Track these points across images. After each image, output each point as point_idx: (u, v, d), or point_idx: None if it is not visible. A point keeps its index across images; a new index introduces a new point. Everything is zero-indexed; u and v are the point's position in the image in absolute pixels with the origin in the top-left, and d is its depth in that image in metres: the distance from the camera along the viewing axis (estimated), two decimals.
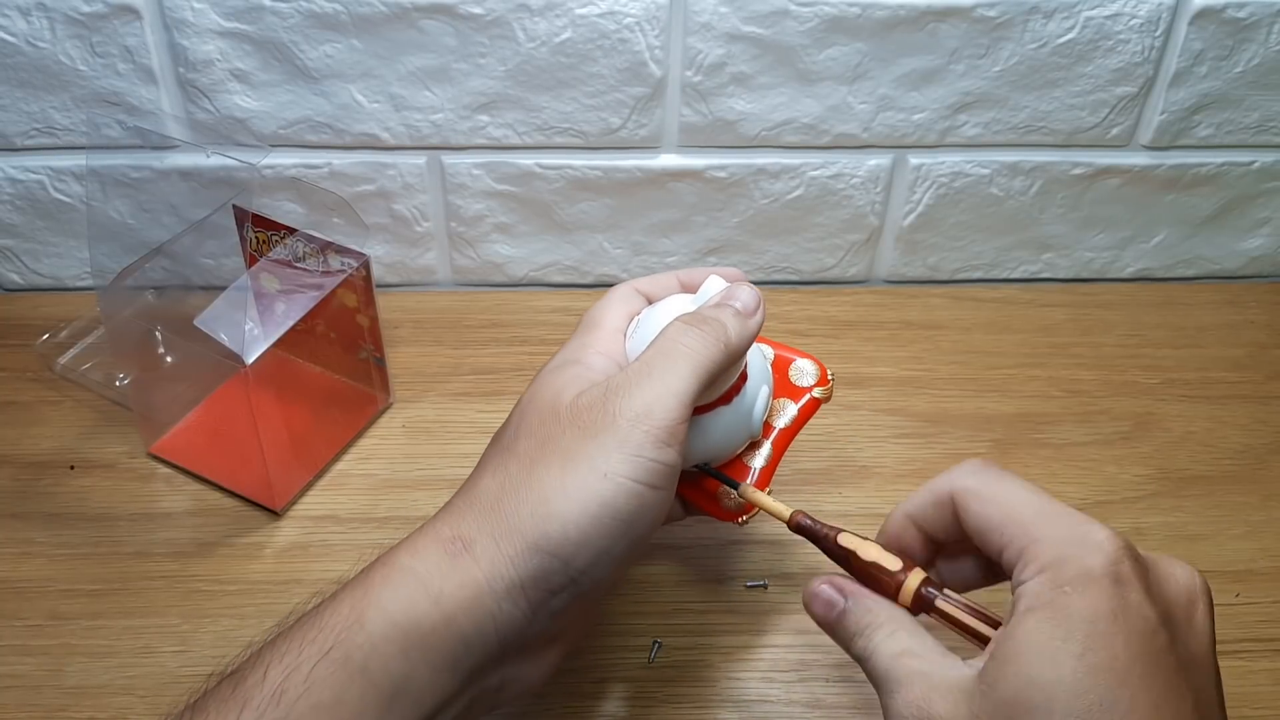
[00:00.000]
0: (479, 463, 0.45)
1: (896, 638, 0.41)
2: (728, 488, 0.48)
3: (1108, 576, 0.37)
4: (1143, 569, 0.38)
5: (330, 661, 0.38)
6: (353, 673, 0.38)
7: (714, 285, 0.47)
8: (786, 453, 0.50)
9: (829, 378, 0.51)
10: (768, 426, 0.50)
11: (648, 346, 0.44)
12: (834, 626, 0.43)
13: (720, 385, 0.46)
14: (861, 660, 0.42)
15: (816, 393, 0.51)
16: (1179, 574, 0.40)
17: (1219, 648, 0.53)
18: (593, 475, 0.40)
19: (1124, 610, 0.37)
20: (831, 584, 0.43)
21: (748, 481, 0.49)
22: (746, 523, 0.49)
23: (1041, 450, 0.63)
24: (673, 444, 0.42)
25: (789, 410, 0.51)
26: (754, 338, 0.46)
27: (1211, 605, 0.40)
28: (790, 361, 0.52)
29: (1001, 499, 0.41)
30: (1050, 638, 0.36)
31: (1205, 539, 0.59)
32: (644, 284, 0.50)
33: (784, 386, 0.51)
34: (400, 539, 0.42)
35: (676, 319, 0.45)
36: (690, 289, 0.49)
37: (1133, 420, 0.66)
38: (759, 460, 0.50)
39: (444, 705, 0.40)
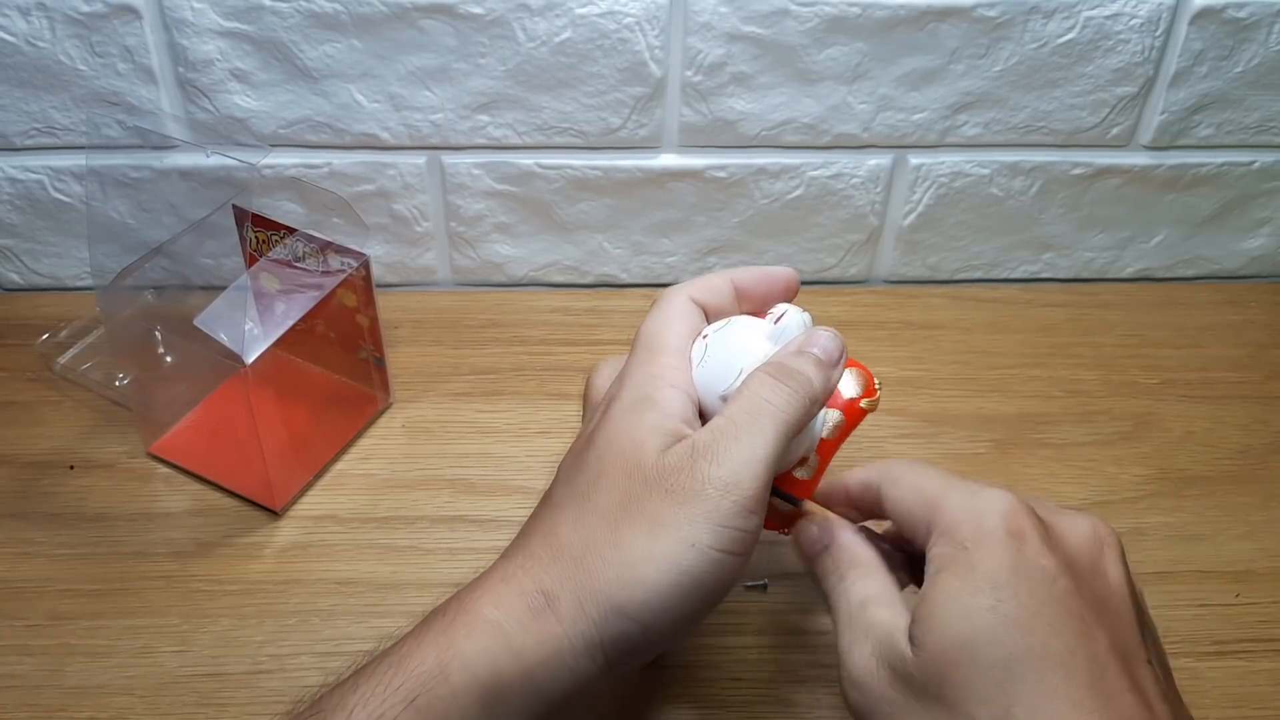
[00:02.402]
0: (554, 503, 0.43)
1: (864, 583, 0.43)
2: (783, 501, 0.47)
3: (1003, 530, 0.39)
4: (1040, 524, 0.40)
5: (415, 710, 0.38)
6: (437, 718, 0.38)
7: (793, 320, 0.46)
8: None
9: (876, 387, 0.49)
10: (814, 436, 0.48)
11: (732, 401, 0.43)
12: (814, 562, 0.45)
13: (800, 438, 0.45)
14: (829, 597, 0.44)
15: (864, 403, 0.49)
16: (1080, 525, 0.41)
17: (1219, 648, 0.54)
18: (680, 545, 0.40)
19: (1023, 562, 0.39)
20: (823, 527, 0.45)
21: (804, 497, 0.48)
22: (791, 534, 0.48)
23: (1041, 450, 0.63)
24: (758, 511, 0.41)
25: (833, 418, 0.48)
26: (835, 386, 0.45)
27: (1120, 551, 0.41)
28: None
29: (911, 482, 0.43)
30: (959, 594, 0.39)
31: (1205, 539, 0.59)
32: (699, 291, 0.47)
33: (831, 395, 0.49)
34: (469, 579, 0.42)
35: (761, 370, 0.43)
36: (748, 298, 0.48)
37: (1133, 420, 0.66)
38: (804, 471, 0.48)
39: None
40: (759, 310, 0.48)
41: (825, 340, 0.45)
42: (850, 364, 0.49)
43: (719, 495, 0.40)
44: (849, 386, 0.48)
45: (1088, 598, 0.39)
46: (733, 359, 0.44)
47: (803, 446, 0.46)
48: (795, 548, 0.45)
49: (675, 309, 0.47)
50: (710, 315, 0.48)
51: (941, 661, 0.38)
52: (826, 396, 0.44)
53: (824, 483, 0.47)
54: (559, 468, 0.45)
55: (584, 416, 0.49)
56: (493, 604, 0.40)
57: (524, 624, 0.40)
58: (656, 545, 0.40)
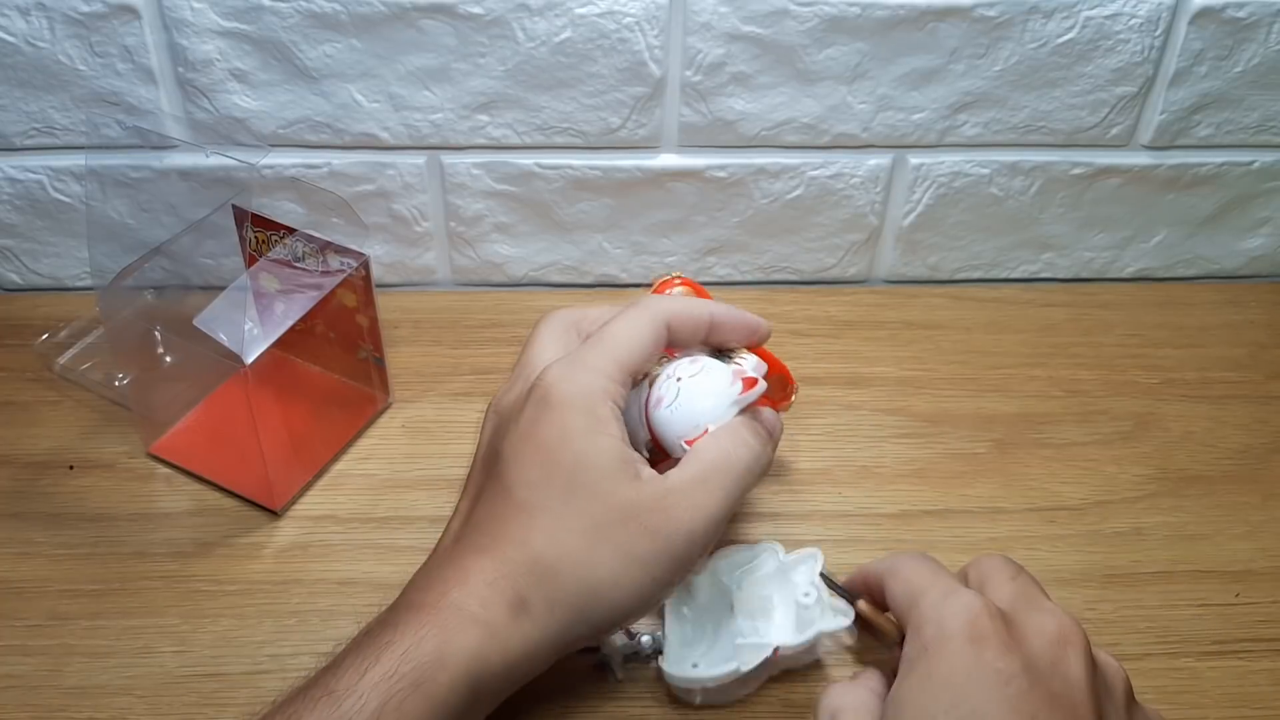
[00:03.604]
0: (519, 504, 0.46)
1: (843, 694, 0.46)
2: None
3: (962, 635, 0.42)
4: (1003, 627, 0.42)
5: (422, 695, 0.41)
6: (436, 705, 0.41)
7: (756, 370, 0.50)
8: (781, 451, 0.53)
9: (790, 393, 0.57)
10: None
11: (704, 451, 0.47)
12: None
13: None
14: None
15: (784, 406, 0.56)
16: (1047, 623, 0.43)
17: (1219, 647, 0.54)
18: (646, 579, 0.45)
19: (978, 665, 0.41)
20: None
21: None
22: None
23: (1041, 450, 0.63)
24: (708, 553, 0.48)
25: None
26: (771, 458, 0.50)
27: (1085, 648, 0.43)
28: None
29: (905, 574, 0.47)
30: (920, 699, 0.42)
31: (1205, 539, 0.59)
32: (679, 319, 0.49)
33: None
34: (450, 577, 0.45)
35: (730, 430, 0.48)
36: (719, 334, 0.51)
37: (1133, 420, 0.66)
38: None
39: None
40: (724, 343, 0.51)
41: (773, 420, 0.51)
42: (764, 357, 0.53)
43: (685, 544, 0.45)
44: (772, 392, 0.53)
45: (1043, 695, 0.41)
46: (702, 412, 0.48)
47: None
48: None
49: (649, 333, 0.49)
50: (676, 341, 0.50)
51: None
52: (769, 467, 0.49)
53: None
54: (506, 459, 0.47)
55: (518, 363, 0.51)
56: (480, 604, 0.43)
57: (506, 625, 0.43)
58: (626, 576, 0.45)
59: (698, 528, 0.45)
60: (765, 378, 0.50)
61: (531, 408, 0.47)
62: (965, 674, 0.41)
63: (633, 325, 0.48)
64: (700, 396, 0.48)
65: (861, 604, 0.49)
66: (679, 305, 0.50)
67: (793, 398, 0.58)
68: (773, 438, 0.50)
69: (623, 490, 0.45)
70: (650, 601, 0.46)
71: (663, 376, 0.50)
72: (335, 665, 0.42)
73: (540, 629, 0.44)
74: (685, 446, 0.48)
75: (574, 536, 0.45)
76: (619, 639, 0.51)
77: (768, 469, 0.49)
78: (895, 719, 0.42)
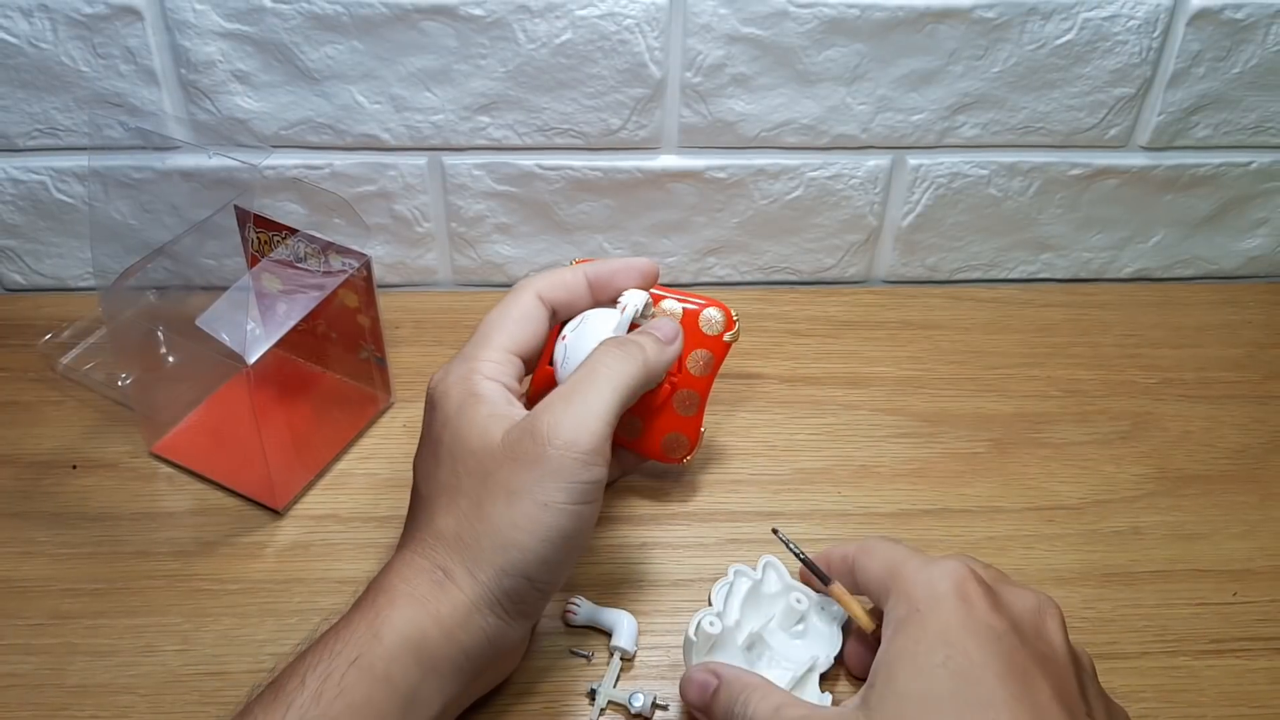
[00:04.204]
0: (423, 498, 0.49)
1: (770, 697, 0.45)
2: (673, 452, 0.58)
3: (953, 595, 0.43)
4: (988, 590, 0.44)
5: (358, 668, 0.43)
6: (377, 678, 0.43)
7: (632, 299, 0.53)
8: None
9: (734, 319, 0.57)
10: (691, 377, 0.57)
11: (575, 370, 0.49)
12: (710, 706, 0.47)
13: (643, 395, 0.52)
14: None
15: (726, 336, 0.57)
16: (1025, 597, 0.45)
17: (1216, 646, 0.54)
18: (535, 506, 0.46)
19: (971, 620, 0.43)
20: (704, 669, 0.48)
21: (678, 427, 0.58)
22: (690, 461, 0.59)
23: (1040, 450, 0.64)
24: (599, 462, 0.47)
25: (704, 358, 0.57)
26: (671, 362, 0.52)
27: (1061, 620, 0.45)
28: (699, 314, 0.57)
29: (880, 551, 0.48)
30: (914, 653, 0.42)
31: (1203, 538, 0.59)
32: (547, 288, 0.53)
33: (695, 336, 0.57)
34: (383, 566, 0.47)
35: (602, 343, 0.50)
36: (604, 288, 0.54)
37: (1131, 420, 0.66)
38: (687, 409, 0.58)
39: (449, 705, 0.46)
40: (614, 300, 0.54)
41: (662, 323, 0.53)
42: (710, 303, 0.57)
43: (559, 455, 0.46)
44: (711, 325, 0.57)
45: (1031, 653, 0.43)
46: (586, 349, 0.51)
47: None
48: (687, 702, 0.48)
49: (516, 309, 0.52)
50: (560, 310, 0.54)
51: (898, 718, 0.41)
52: (662, 365, 0.51)
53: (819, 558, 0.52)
54: (415, 467, 0.50)
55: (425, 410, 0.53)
56: (404, 581, 0.46)
57: (434, 594, 0.45)
58: (516, 511, 0.45)
59: (570, 436, 0.46)
60: (681, 317, 0.56)
61: (425, 415, 0.51)
62: (959, 627, 0.42)
63: (501, 307, 0.52)
64: (582, 343, 0.52)
65: (836, 586, 0.50)
66: (544, 277, 0.53)
67: (735, 327, 0.57)
68: (662, 337, 0.51)
69: (493, 440, 0.47)
70: (560, 529, 0.46)
71: (556, 343, 0.54)
72: (285, 665, 0.44)
73: (468, 592, 0.45)
74: None
75: (466, 500, 0.47)
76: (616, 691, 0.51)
77: (660, 360, 0.51)
78: (888, 678, 0.42)
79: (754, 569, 0.53)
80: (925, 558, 0.47)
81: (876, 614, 0.49)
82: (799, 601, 0.52)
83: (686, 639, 0.49)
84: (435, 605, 0.45)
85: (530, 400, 0.57)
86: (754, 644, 0.51)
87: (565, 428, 0.46)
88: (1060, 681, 0.42)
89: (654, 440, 0.58)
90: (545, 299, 0.53)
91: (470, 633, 0.45)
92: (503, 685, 0.51)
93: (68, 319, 0.69)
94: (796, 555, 0.51)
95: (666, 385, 0.57)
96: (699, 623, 0.49)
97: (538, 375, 0.57)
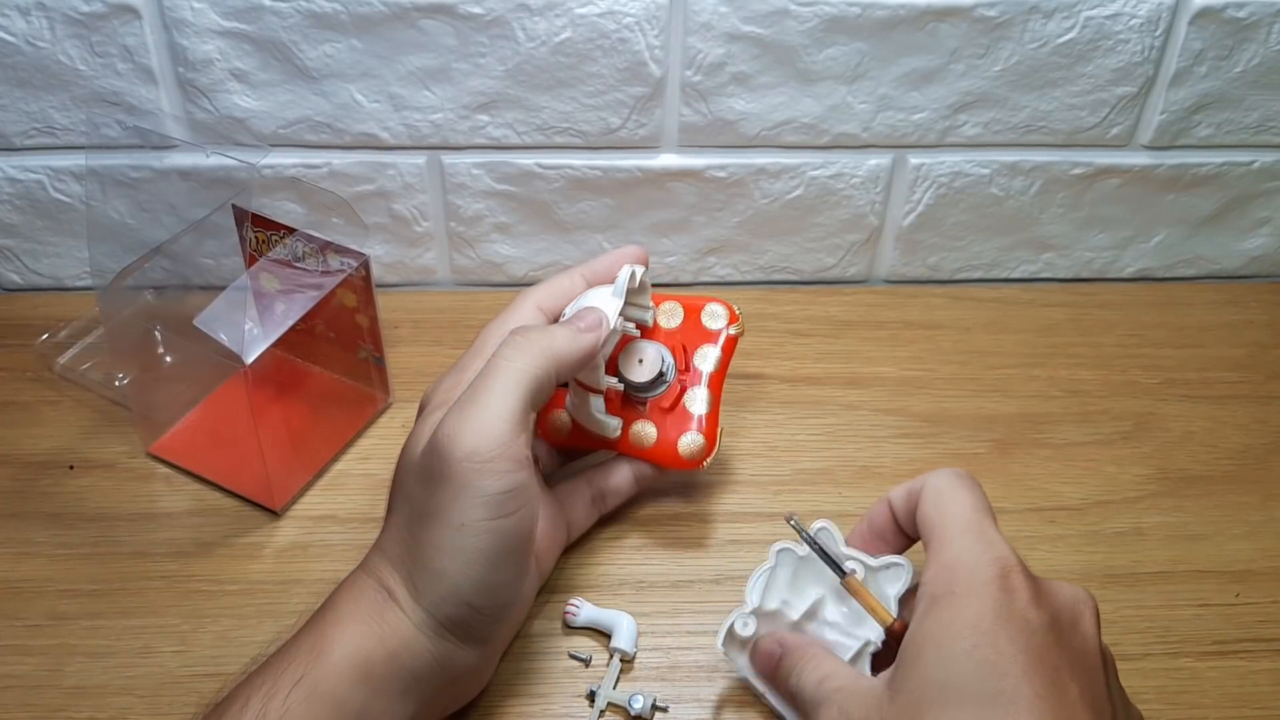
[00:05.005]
0: (387, 514, 0.49)
1: (819, 667, 0.45)
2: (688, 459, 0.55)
3: (995, 583, 0.41)
4: (1032, 582, 0.42)
5: (303, 688, 0.42)
6: (323, 697, 0.42)
7: (623, 272, 0.52)
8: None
9: (738, 313, 0.56)
10: (697, 372, 0.56)
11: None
12: (774, 673, 0.47)
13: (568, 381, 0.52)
14: (794, 694, 0.45)
15: (731, 330, 0.56)
16: (1065, 589, 0.43)
17: (1219, 647, 0.54)
18: (451, 530, 0.43)
19: (1008, 611, 0.41)
20: (772, 638, 0.47)
21: (694, 429, 0.55)
22: (709, 465, 0.56)
23: (1041, 450, 0.63)
24: (510, 468, 0.44)
25: (712, 354, 0.56)
26: (589, 350, 0.49)
27: (1097, 615, 0.43)
28: (701, 308, 0.56)
29: (945, 501, 0.45)
30: (941, 637, 0.41)
31: (1205, 539, 0.59)
32: (546, 297, 0.53)
33: (699, 334, 0.56)
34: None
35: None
36: (603, 283, 0.53)
37: (1133, 420, 0.66)
38: (700, 407, 0.56)
39: None
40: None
41: (585, 312, 0.51)
42: (710, 300, 0.57)
43: (463, 468, 0.43)
44: (715, 319, 0.56)
45: (1065, 652, 0.41)
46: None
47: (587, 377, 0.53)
48: (757, 670, 0.48)
49: (514, 320, 0.52)
50: (555, 313, 0.53)
51: (918, 701, 0.40)
52: (577, 353, 0.48)
53: (872, 506, 0.51)
54: None
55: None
56: (351, 600, 0.45)
57: (379, 613, 0.44)
58: (435, 537, 0.43)
59: (471, 448, 0.43)
60: (682, 316, 0.56)
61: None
62: (994, 618, 0.40)
63: (499, 319, 0.53)
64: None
65: (851, 580, 0.48)
66: (543, 287, 0.53)
67: (739, 320, 0.57)
68: (583, 325, 0.50)
69: (415, 460, 0.46)
70: (483, 551, 0.43)
71: None
72: (234, 686, 0.44)
73: (410, 615, 0.44)
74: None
75: (402, 522, 0.46)
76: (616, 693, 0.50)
77: (561, 356, 0.48)
78: (914, 658, 0.41)
79: (799, 545, 0.50)
80: (981, 530, 0.44)
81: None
82: (853, 572, 0.49)
83: (724, 638, 0.48)
84: (379, 626, 0.44)
85: (539, 417, 0.56)
86: (809, 620, 0.49)
87: (464, 437, 0.44)
88: (1090, 681, 0.41)
89: (669, 446, 0.55)
90: (544, 308, 0.52)
91: (415, 655, 0.44)
92: (502, 687, 0.51)
93: (65, 318, 0.69)
94: (810, 545, 0.49)
95: (676, 384, 0.56)
96: (730, 626, 0.48)
97: None
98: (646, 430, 0.56)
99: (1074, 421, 0.65)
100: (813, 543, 0.49)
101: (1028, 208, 0.72)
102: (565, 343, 0.48)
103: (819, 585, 0.50)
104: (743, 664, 0.49)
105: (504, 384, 0.45)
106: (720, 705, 0.51)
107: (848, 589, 0.48)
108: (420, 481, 0.45)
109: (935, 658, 0.41)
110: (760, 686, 0.49)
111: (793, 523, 0.50)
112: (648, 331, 0.57)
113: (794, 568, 0.50)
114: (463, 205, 0.70)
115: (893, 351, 0.70)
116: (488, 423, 0.44)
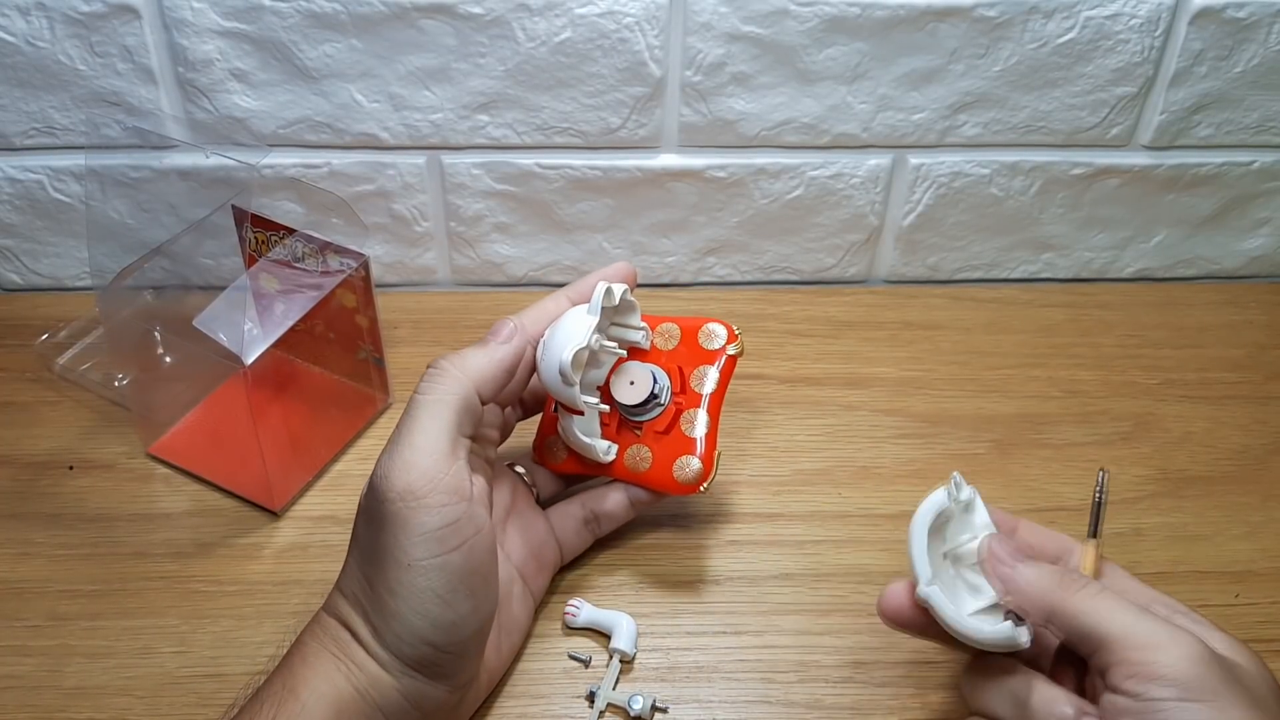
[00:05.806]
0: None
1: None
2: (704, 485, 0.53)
3: (1219, 678, 0.38)
4: (1226, 670, 0.39)
5: None
6: None
7: (599, 289, 0.51)
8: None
9: (736, 332, 0.55)
10: (695, 394, 0.54)
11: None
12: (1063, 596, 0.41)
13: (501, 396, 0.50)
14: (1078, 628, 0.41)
15: (730, 349, 0.54)
16: (1239, 649, 0.41)
17: None
18: (398, 569, 0.43)
19: (1252, 701, 0.38)
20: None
21: (690, 452, 0.53)
22: (708, 489, 0.53)
23: (1041, 450, 0.63)
24: (447, 501, 0.43)
25: (711, 374, 0.54)
26: (506, 361, 0.49)
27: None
28: (698, 329, 0.55)
29: (1107, 615, 0.40)
30: None
31: (1205, 539, 0.59)
32: (529, 322, 0.51)
33: (697, 354, 0.54)
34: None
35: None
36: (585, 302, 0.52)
37: (1132, 420, 0.66)
38: (698, 430, 0.53)
39: None
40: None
41: (499, 325, 0.50)
42: (708, 320, 0.55)
43: (399, 508, 0.43)
44: (713, 339, 0.55)
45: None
46: (556, 359, 0.49)
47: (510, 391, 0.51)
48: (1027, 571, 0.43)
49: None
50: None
51: None
52: (495, 366, 0.48)
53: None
54: None
55: None
56: (316, 639, 0.45)
57: (344, 653, 0.44)
58: (386, 577, 0.43)
59: (404, 487, 0.43)
60: (679, 337, 0.54)
61: None
62: (1249, 713, 0.37)
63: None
64: (550, 357, 0.50)
65: (1092, 544, 0.45)
66: (526, 313, 0.52)
67: (738, 340, 0.55)
68: (492, 337, 0.49)
69: (360, 505, 0.46)
70: (433, 589, 0.43)
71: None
72: None
73: (376, 654, 0.44)
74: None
75: (360, 558, 0.45)
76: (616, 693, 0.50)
77: (478, 374, 0.47)
78: None
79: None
80: (1152, 630, 0.39)
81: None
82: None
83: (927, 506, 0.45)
84: (346, 665, 0.44)
85: (536, 442, 0.56)
86: (955, 561, 0.46)
87: (395, 476, 0.43)
88: None
89: (665, 469, 0.53)
90: (530, 333, 0.51)
91: (383, 693, 0.44)
92: (502, 687, 0.51)
93: (65, 319, 0.69)
94: (1098, 500, 0.46)
95: (672, 407, 0.54)
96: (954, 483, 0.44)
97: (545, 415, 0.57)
98: (642, 454, 0.54)
99: (1073, 422, 0.65)
100: (1100, 498, 0.47)
101: (1027, 208, 0.72)
102: (479, 360, 0.48)
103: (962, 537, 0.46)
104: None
105: (425, 418, 0.45)
106: (720, 705, 0.51)
107: (1085, 550, 0.46)
108: (365, 523, 0.45)
109: None
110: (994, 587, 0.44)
111: (1102, 476, 0.47)
112: (644, 354, 0.55)
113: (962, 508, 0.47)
114: (463, 205, 0.70)
115: (892, 352, 0.70)
116: (416, 460, 0.44)
